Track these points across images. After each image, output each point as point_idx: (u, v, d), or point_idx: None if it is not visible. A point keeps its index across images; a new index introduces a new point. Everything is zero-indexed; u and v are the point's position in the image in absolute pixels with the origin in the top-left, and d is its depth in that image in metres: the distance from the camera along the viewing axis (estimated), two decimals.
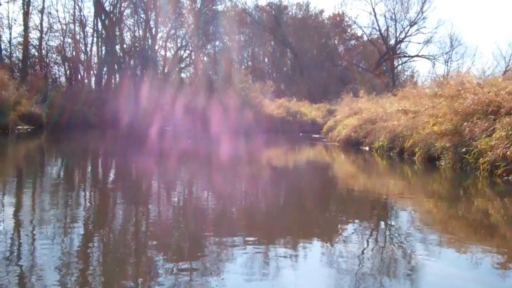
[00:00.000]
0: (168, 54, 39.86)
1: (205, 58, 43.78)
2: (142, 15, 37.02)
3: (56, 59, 32.18)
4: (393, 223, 5.43)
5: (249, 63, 53.34)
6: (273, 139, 22.92)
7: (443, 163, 10.00)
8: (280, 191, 7.85)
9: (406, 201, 7.07)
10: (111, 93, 30.73)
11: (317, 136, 25.48)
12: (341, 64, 53.06)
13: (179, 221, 5.20)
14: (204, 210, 5.80)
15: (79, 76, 33.88)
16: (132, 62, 35.25)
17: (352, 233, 4.78)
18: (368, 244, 4.28)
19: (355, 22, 59.68)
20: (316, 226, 5.15)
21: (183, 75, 42.73)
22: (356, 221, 5.47)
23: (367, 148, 15.54)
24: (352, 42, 56.41)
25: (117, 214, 5.32)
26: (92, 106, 26.18)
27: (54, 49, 32.83)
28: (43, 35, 31.79)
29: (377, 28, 48.62)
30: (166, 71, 37.13)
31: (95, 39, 34.02)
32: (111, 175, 8.90)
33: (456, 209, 6.34)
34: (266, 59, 56.08)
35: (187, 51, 40.69)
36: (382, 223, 5.41)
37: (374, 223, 5.42)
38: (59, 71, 33.60)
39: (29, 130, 18.73)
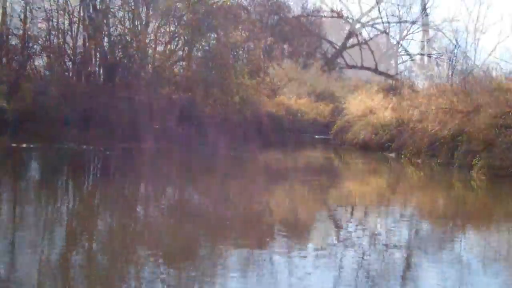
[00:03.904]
0: (160, 48, 37.41)
1: (199, 54, 41.29)
2: (132, 4, 34.41)
3: (34, 47, 29.49)
4: None
5: (245, 60, 51.03)
6: (279, 142, 20.18)
7: None
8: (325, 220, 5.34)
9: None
10: (96, 88, 27.93)
11: (322, 137, 22.98)
12: (340, 62, 50.90)
13: None
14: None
15: (62, 69, 31.10)
16: (120, 54, 32.66)
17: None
18: None
19: (354, 19, 57.46)
20: None
21: (175, 70, 40.24)
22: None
23: (393, 155, 12.97)
24: (351, 40, 54.56)
25: None
26: (73, 101, 23.28)
27: (35, 38, 30.04)
28: (26, 24, 29.04)
29: (381, 22, 46.37)
30: (156, 65, 34.61)
31: (81, 29, 31.31)
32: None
33: None
34: (262, 56, 53.87)
35: (179, 45, 38.23)
36: None
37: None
38: (40, 61, 30.82)
39: None
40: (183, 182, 7.99)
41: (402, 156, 12.22)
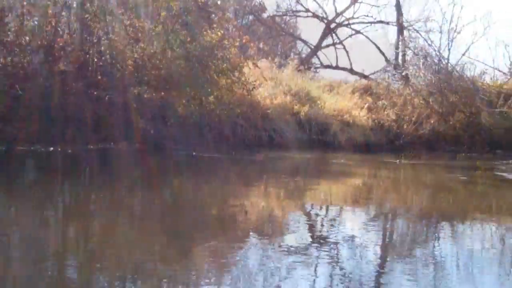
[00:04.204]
0: (134, 46, 36.83)
1: (174, 52, 40.80)
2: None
3: (30, 43, 28.72)
4: None
5: (220, 59, 50.76)
6: (256, 142, 19.68)
7: None
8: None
9: None
10: (91, 87, 27.00)
11: (301, 136, 22.80)
12: (315, 62, 51.13)
13: None
14: None
15: (58, 65, 30.33)
16: (95, 53, 31.97)
17: None
18: None
19: (328, 19, 57.97)
20: None
21: (150, 69, 39.67)
22: None
23: (392, 156, 12.98)
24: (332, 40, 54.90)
25: None
26: (69, 99, 22.25)
27: (30, 33, 29.09)
28: (23, 18, 28.21)
29: (381, 22, 46.83)
30: (131, 63, 34.05)
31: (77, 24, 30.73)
32: None
33: None
34: (238, 55, 53.66)
35: (154, 43, 37.70)
36: None
37: None
38: (36, 57, 29.91)
39: None
40: (155, 186, 7.54)
41: (402, 157, 12.19)
